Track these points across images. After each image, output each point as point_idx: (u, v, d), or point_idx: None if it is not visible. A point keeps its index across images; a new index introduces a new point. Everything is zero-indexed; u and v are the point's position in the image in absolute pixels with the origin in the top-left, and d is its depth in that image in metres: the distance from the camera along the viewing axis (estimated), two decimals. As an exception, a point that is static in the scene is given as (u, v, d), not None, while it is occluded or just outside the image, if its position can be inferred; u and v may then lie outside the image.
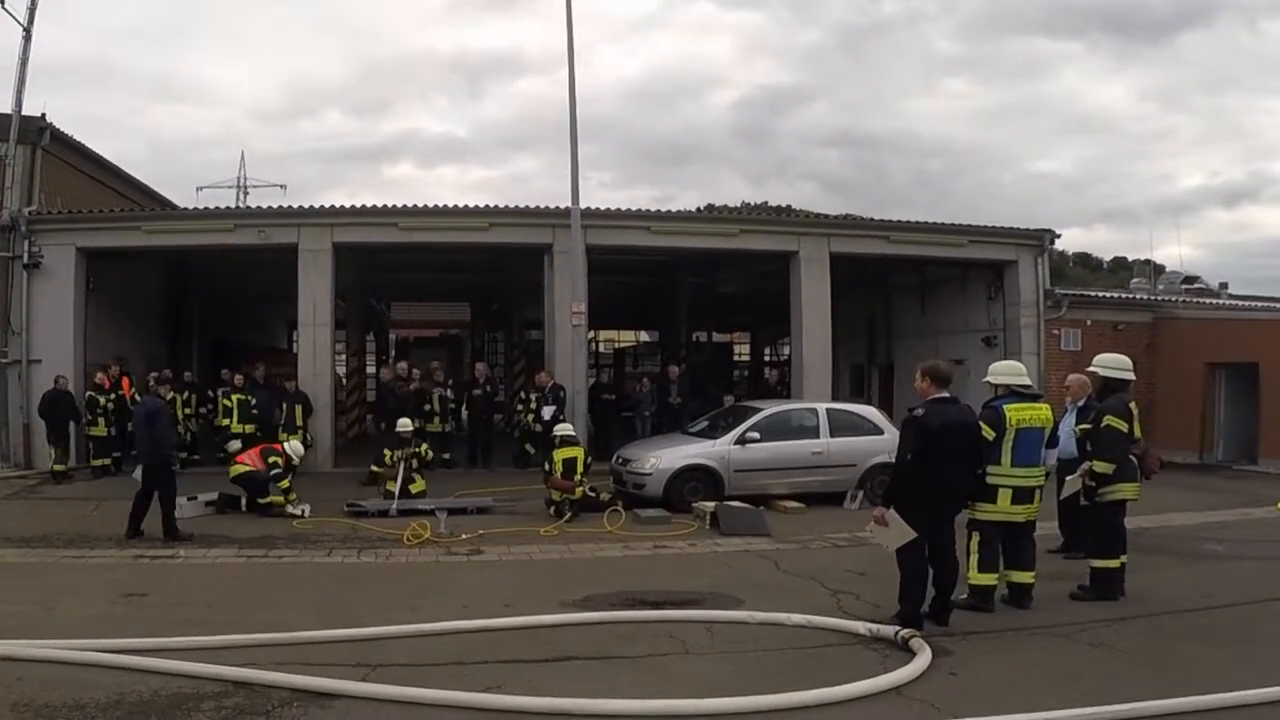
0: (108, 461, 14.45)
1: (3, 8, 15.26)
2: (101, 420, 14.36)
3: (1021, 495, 6.59)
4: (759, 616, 6.40)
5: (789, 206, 28.22)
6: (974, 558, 6.57)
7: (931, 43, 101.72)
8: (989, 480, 6.53)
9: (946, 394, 6.35)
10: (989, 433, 6.47)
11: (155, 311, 19.76)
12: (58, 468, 14.03)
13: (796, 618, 6.30)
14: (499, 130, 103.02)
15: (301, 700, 4.78)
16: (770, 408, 12.93)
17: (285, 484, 11.16)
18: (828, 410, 12.75)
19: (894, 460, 6.97)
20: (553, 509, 11.07)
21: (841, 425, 12.46)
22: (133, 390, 14.99)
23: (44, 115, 15.52)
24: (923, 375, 6.43)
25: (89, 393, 14.42)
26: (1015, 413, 6.58)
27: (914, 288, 20.47)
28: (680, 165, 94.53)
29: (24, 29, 15.64)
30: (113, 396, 14.55)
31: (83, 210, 16.00)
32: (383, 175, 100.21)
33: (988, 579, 6.60)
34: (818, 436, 12.25)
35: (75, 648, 5.45)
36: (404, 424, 12.63)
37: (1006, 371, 6.97)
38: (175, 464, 10.33)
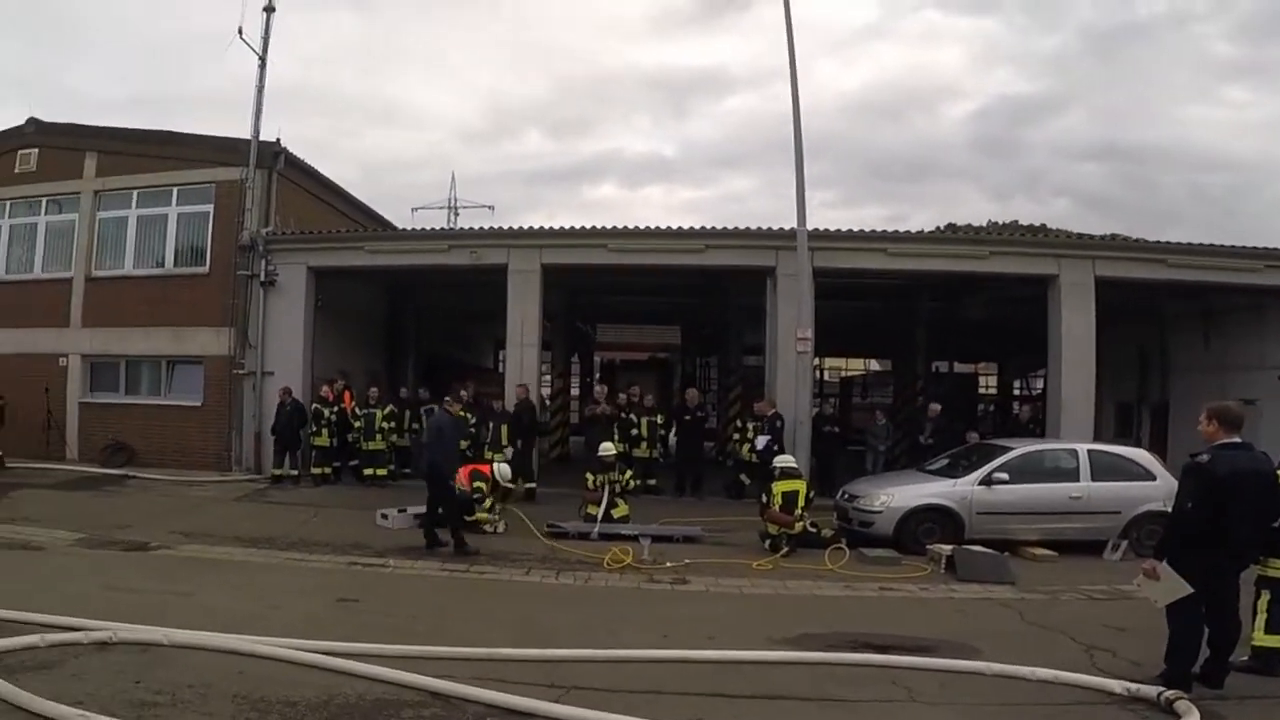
0: (328, 470, 16.17)
1: (240, 38, 17.47)
2: (325, 431, 16.03)
3: None
4: (997, 668, 6.16)
5: (1044, 225, 26.39)
6: (1262, 618, 6.25)
7: (1204, 46, 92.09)
8: None
9: (1237, 439, 5.97)
10: None
11: (374, 328, 21.73)
12: (277, 472, 15.88)
13: (1042, 672, 6.06)
14: (707, 149, 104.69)
15: (495, 716, 5.04)
16: (1022, 447, 12.42)
17: (487, 504, 11.84)
18: (1089, 451, 12.15)
19: (1169, 509, 6.69)
20: (768, 543, 11.04)
21: (1105, 469, 11.85)
22: (353, 404, 16.58)
23: (278, 140, 17.62)
24: (1209, 417, 6.09)
25: (314, 404, 16.15)
26: None
27: (1195, 317, 18.80)
28: (913, 182, 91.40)
29: (259, 57, 17.81)
30: (335, 409, 16.18)
31: (312, 231, 17.96)
32: (583, 196, 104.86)
33: (1276, 641, 6.19)
34: (1077, 480, 11.71)
35: (292, 647, 6.05)
36: (606, 448, 13.02)
37: None
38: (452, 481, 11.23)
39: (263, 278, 17.00)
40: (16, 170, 18.82)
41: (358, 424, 16.19)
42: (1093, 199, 76.25)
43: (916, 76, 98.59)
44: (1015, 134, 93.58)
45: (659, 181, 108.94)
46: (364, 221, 21.58)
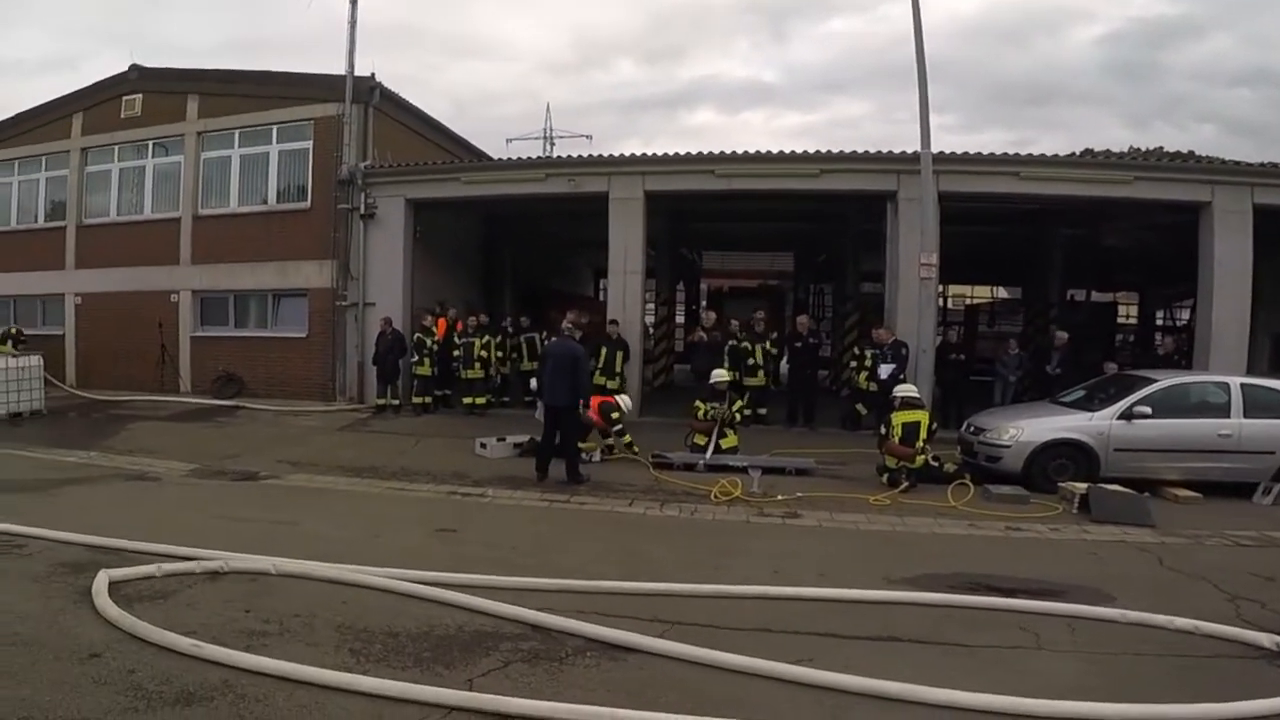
0: (429, 399, 16.59)
1: None
2: (427, 360, 16.40)
3: None
4: (1132, 616, 5.87)
5: (1192, 152, 24.69)
6: None
7: None
8: None
9: None
10: None
11: (472, 259, 22.02)
12: (379, 402, 16.40)
13: (1181, 621, 5.78)
14: (811, 74, 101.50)
15: (595, 651, 5.02)
16: (1167, 379, 11.71)
17: (627, 437, 12.05)
18: (1243, 385, 11.39)
19: None
20: (886, 477, 10.78)
21: (1260, 405, 11.14)
22: (461, 329, 16.87)
23: (373, 75, 17.86)
24: None
25: (416, 334, 16.51)
26: None
27: None
28: (1040, 106, 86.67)
29: (350, -4, 17.92)
30: (440, 340, 16.49)
31: (409, 163, 18.18)
32: (681, 123, 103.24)
33: None
34: (1227, 416, 11.05)
35: (394, 577, 6.18)
36: (719, 374, 12.82)
37: None
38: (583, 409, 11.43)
39: (362, 211, 17.43)
40: (123, 116, 19.77)
41: (457, 352, 16.49)
42: (1243, 125, 71.10)
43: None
44: (1153, 58, 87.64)
45: (760, 106, 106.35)
46: (459, 154, 21.71)
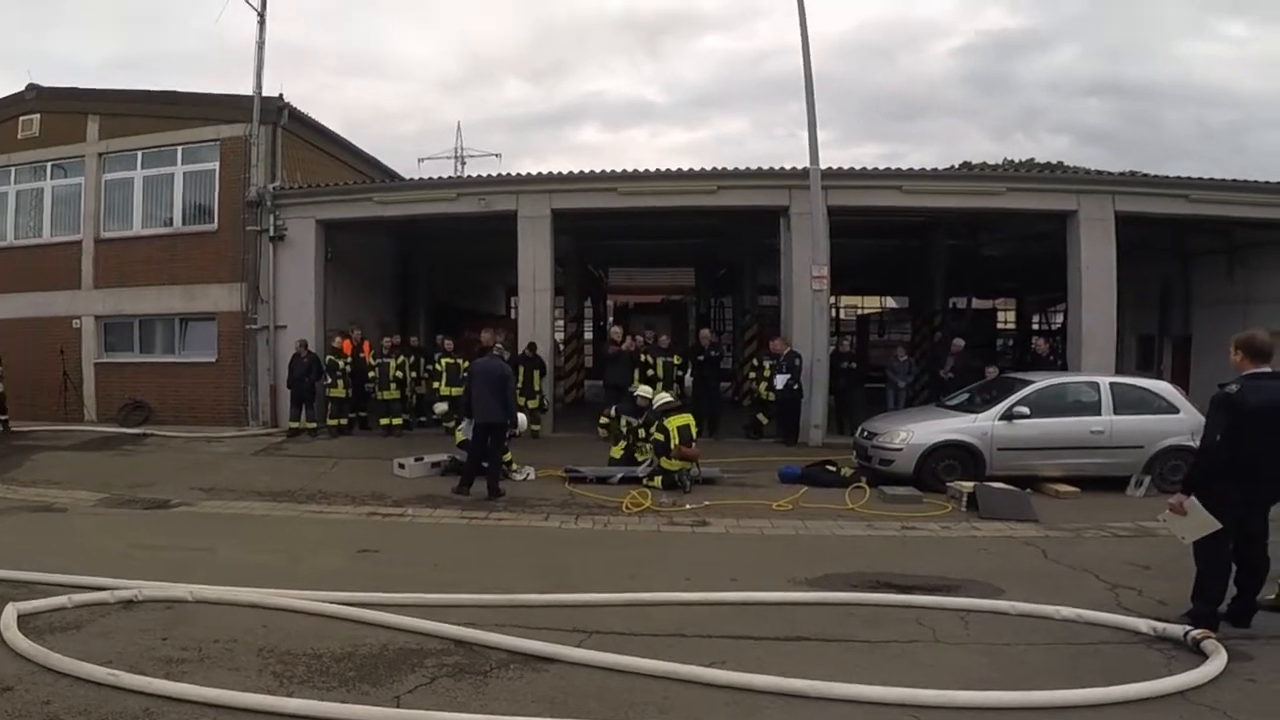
0: (345, 421, 16.25)
1: None
2: (341, 382, 16.06)
3: None
4: (1021, 608, 6.11)
5: (1060, 163, 26.17)
6: None
7: None
8: None
9: (1267, 369, 5.78)
10: None
11: (386, 279, 21.68)
12: (293, 425, 15.98)
13: (1066, 611, 6.00)
14: (688, 90, 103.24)
15: (519, 662, 5.05)
16: (1043, 380, 12.20)
17: (509, 455, 11.75)
18: (1111, 384, 11.92)
19: (1196, 443, 6.55)
20: (659, 480, 10.93)
21: (1128, 402, 11.64)
22: (372, 353, 16.60)
23: (281, 95, 17.43)
24: (1237, 347, 5.92)
25: (329, 356, 16.16)
26: None
27: (1219, 251, 18.57)
28: (909, 120, 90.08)
29: (258, 14, 17.60)
30: (350, 360, 16.18)
31: (320, 184, 17.83)
32: (568, 140, 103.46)
33: None
34: (1099, 414, 11.49)
35: (315, 599, 6.08)
36: (645, 390, 12.71)
37: None
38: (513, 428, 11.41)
39: (272, 232, 16.97)
40: (20, 136, 18.80)
41: (372, 374, 16.22)
42: (1095, 135, 75.09)
43: (903, 15, 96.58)
44: (1005, 70, 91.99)
45: (643, 123, 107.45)
46: (371, 173, 21.43)
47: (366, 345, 16.74)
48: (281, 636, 5.45)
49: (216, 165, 17.48)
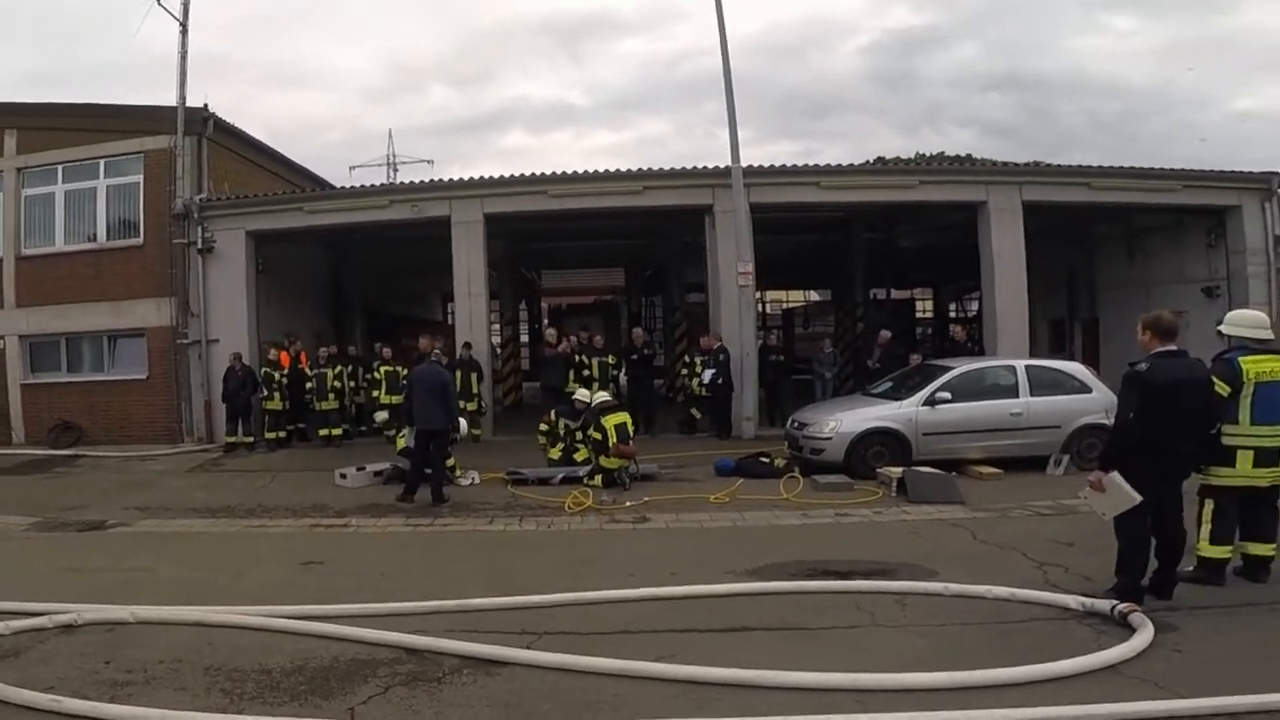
0: (283, 434, 15.86)
1: (159, 4, 16.70)
2: (277, 395, 15.68)
3: (1265, 457, 6.08)
4: (955, 589, 6.18)
5: (969, 155, 26.87)
6: (1206, 528, 6.18)
7: None
8: (1226, 441, 6.07)
9: (1173, 346, 5.91)
10: (1223, 388, 6.00)
11: (320, 289, 21.25)
12: (230, 440, 15.50)
13: (998, 590, 6.06)
14: (609, 92, 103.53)
15: (471, 667, 4.97)
16: (962, 366, 12.43)
17: (451, 460, 11.62)
18: (1027, 367, 12.22)
19: (1109, 421, 6.50)
20: (599, 478, 10.89)
21: (1043, 383, 11.92)
22: (309, 364, 16.25)
23: (206, 105, 16.93)
24: (1144, 327, 6.00)
25: (264, 369, 15.74)
26: (1253, 365, 6.06)
27: (1120, 237, 19.36)
28: (820, 118, 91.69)
29: (180, 24, 17.04)
30: (285, 372, 15.81)
31: (249, 194, 17.36)
32: (494, 145, 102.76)
33: (1221, 552, 6.19)
34: (1016, 396, 11.74)
35: (261, 614, 5.91)
36: (583, 394, 12.60)
37: (1245, 322, 6.39)
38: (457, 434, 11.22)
39: (200, 245, 16.44)
40: (-68, 153, 17.78)
41: (310, 385, 15.85)
42: (997, 128, 77.42)
43: (812, 14, 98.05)
44: (910, 66, 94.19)
45: (567, 126, 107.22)
46: (300, 183, 20.91)
47: (303, 356, 16.37)
48: (228, 654, 5.28)
49: (141, 178, 16.88)
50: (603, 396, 12.12)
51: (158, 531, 9.44)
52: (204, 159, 16.92)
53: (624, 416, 11.44)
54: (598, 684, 4.71)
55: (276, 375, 15.66)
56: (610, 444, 11.01)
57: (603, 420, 11.19)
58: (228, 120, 17.66)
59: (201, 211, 16.46)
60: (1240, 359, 6.09)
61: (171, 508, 10.61)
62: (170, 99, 16.70)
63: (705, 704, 4.44)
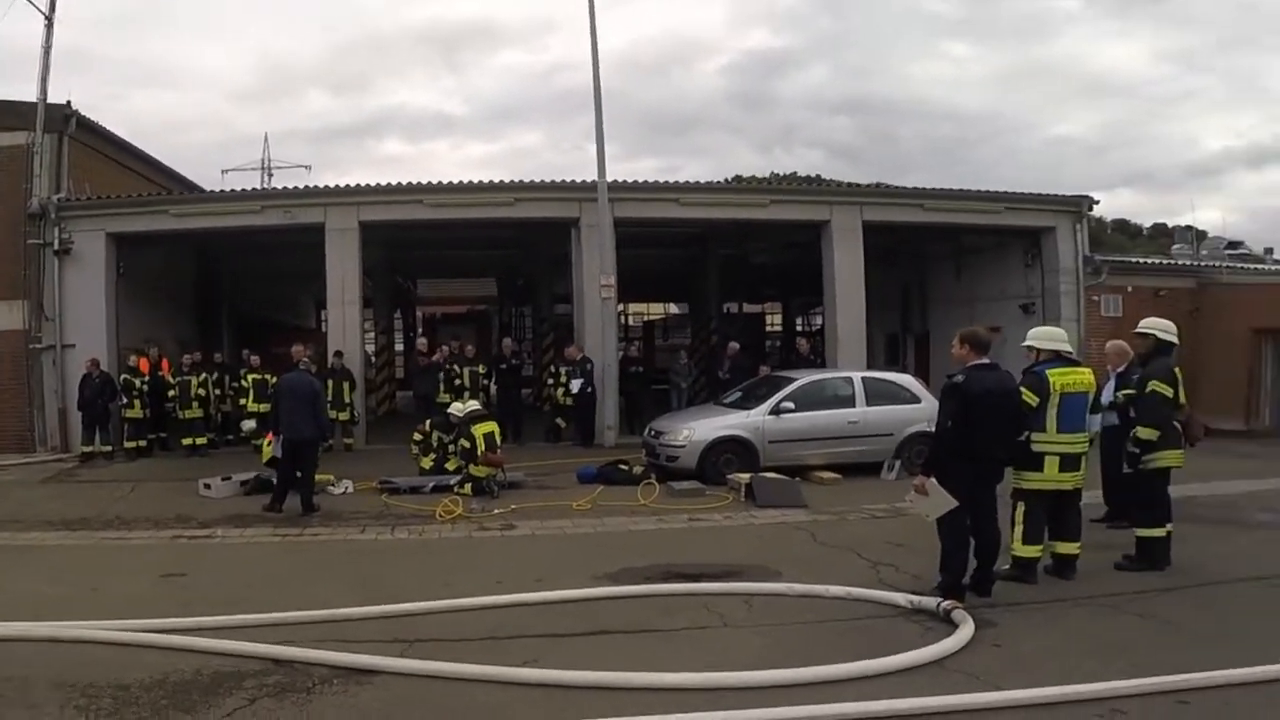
0: (144, 443, 14.83)
1: None
2: (137, 403, 14.65)
3: (1069, 462, 6.49)
4: (797, 589, 6.36)
5: (819, 176, 27.92)
6: (1019, 529, 6.48)
7: (923, 5, 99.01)
8: (1034, 448, 6.44)
9: (986, 360, 6.22)
10: (1031, 399, 6.36)
11: (185, 294, 20.03)
12: (86, 449, 14.37)
13: (835, 590, 6.25)
14: (485, 103, 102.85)
15: (341, 677, 4.84)
16: (804, 377, 12.77)
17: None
18: (863, 379, 12.63)
19: (934, 429, 6.81)
20: (468, 486, 10.73)
21: (878, 394, 12.34)
22: (171, 371, 15.27)
23: (69, 103, 15.67)
24: (961, 342, 6.30)
25: (124, 376, 14.71)
26: (1058, 378, 6.47)
27: (949, 256, 20.21)
28: (682, 135, 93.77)
29: (46, 17, 15.77)
30: (146, 379, 14.81)
31: (111, 195, 16.19)
32: (370, 152, 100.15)
33: (1032, 551, 6.51)
34: (853, 405, 12.12)
35: (118, 628, 5.55)
36: (457, 407, 12.09)
37: (1047, 337, 6.85)
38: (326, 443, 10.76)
39: (56, 246, 15.20)
40: None
41: (172, 392, 14.92)
42: (842, 149, 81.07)
43: (674, 32, 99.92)
44: (766, 88, 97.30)
45: (443, 136, 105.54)
46: (168, 185, 19.62)
47: (165, 363, 15.36)
48: (83, 669, 4.93)
49: (-6, 176, 15.44)
50: (473, 406, 11.94)
51: (7, 544, 8.66)
52: (64, 157, 15.67)
53: (492, 426, 11.34)
54: (468, 690, 4.68)
55: (137, 382, 14.64)
56: (479, 453, 10.90)
57: (472, 429, 11.05)
58: (91, 118, 16.47)
59: (59, 211, 15.26)
60: (1048, 371, 6.47)
61: (21, 520, 9.72)
62: (27, 94, 15.48)
63: (568, 707, 4.47)
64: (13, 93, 16.11)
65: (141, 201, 16.41)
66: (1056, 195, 17.72)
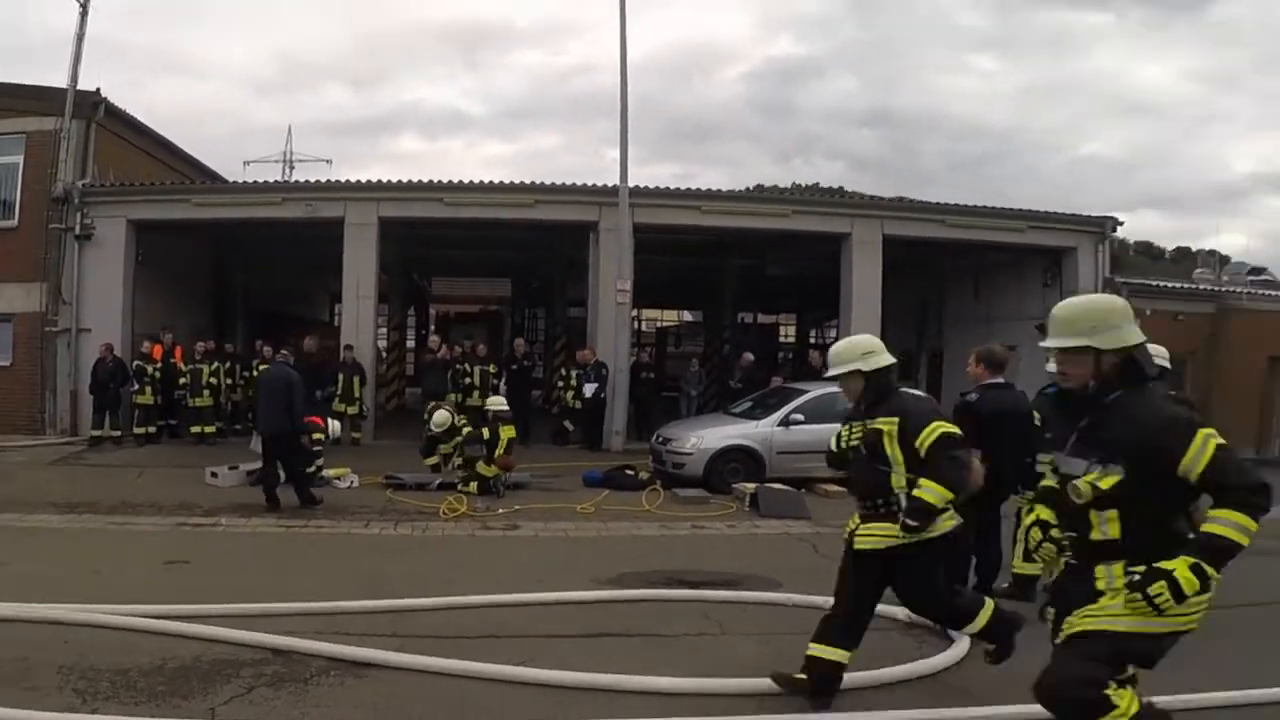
0: (153, 429, 14.95)
1: None
2: (149, 389, 14.74)
3: None
4: (796, 599, 6.33)
5: (841, 188, 27.83)
6: (1020, 546, 6.31)
7: (952, 15, 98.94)
8: (1040, 469, 6.27)
9: (1001, 379, 6.18)
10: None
11: (202, 283, 20.16)
12: (96, 433, 14.50)
13: None
14: (503, 102, 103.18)
15: (338, 669, 4.85)
16: (816, 390, 12.66)
17: (320, 461, 11.24)
18: None
19: None
20: (474, 486, 10.76)
21: None
22: (184, 359, 15.36)
23: (99, 90, 15.86)
24: (976, 360, 6.27)
25: (137, 362, 14.81)
26: None
27: (968, 273, 20.08)
28: (701, 142, 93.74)
29: (80, 4, 16.00)
30: (159, 366, 14.92)
31: (135, 183, 16.35)
32: (385, 148, 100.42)
33: (1033, 569, 6.35)
34: None
35: (119, 612, 5.57)
36: (439, 421, 11.86)
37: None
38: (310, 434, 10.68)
39: (78, 231, 15.39)
40: None
41: (184, 380, 15.01)
42: (864, 162, 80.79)
43: (698, 38, 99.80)
44: (788, 97, 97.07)
45: (459, 134, 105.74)
46: (191, 174, 19.86)
47: (178, 350, 15.47)
48: (83, 652, 4.95)
49: (21, 159, 15.68)
50: (501, 402, 11.79)
51: (12, 526, 8.72)
52: (91, 144, 15.89)
53: (514, 431, 11.31)
54: (463, 687, 4.68)
55: (149, 369, 14.74)
56: (497, 454, 10.87)
57: (500, 430, 10.98)
58: (119, 106, 16.66)
59: (83, 197, 15.45)
60: None
61: (28, 501, 9.80)
62: (57, 80, 15.72)
63: (563, 707, 4.47)
64: (34, 79, 16.18)
65: (164, 190, 16.63)
66: (1080, 215, 17.61)
